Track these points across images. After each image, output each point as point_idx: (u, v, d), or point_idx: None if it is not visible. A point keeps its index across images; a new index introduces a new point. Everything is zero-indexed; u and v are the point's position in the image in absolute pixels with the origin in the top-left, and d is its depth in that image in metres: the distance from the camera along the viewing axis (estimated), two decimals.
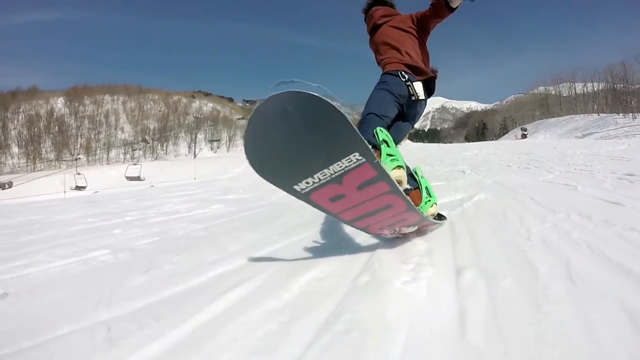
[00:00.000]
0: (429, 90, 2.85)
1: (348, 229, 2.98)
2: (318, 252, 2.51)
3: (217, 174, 26.77)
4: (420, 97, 2.72)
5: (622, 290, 1.37)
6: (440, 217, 2.87)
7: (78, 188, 28.91)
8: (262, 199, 6.06)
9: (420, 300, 1.48)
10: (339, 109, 1.41)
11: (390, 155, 2.08)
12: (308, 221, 3.55)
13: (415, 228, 2.38)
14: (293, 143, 1.54)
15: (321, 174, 1.66)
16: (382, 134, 2.16)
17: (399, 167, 2.07)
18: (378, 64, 3.06)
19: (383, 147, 2.10)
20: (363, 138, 1.55)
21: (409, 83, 2.67)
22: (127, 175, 33.77)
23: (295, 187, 1.74)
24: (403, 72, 2.69)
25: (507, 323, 1.21)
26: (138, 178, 32.80)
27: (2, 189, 39.51)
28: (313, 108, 1.40)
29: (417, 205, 2.38)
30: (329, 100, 1.39)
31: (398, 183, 1.94)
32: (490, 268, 1.73)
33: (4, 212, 7.18)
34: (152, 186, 22.16)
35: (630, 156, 8.01)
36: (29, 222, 5.29)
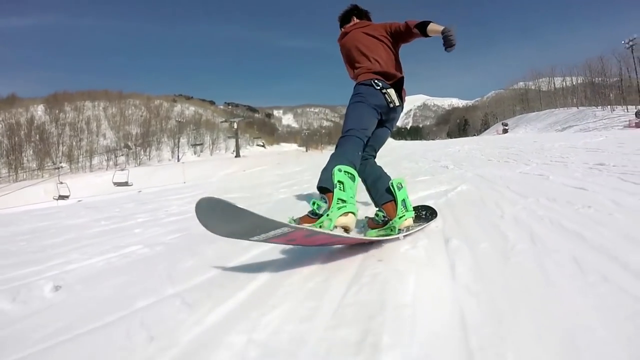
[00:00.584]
0: (399, 93, 2.89)
1: None
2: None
3: (204, 177, 26.85)
4: (396, 104, 2.81)
5: (573, 247, 1.86)
6: (432, 213, 2.96)
7: (61, 197, 28.32)
8: (264, 197, 6.36)
9: (421, 258, 1.97)
10: (248, 209, 1.68)
11: (341, 200, 2.13)
12: None
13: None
14: (229, 227, 1.85)
15: (265, 235, 1.85)
16: (339, 174, 2.20)
17: (346, 213, 2.12)
18: (349, 70, 3.13)
19: (336, 190, 2.15)
20: (284, 223, 1.75)
21: (384, 91, 2.74)
22: (114, 181, 33.62)
23: (251, 239, 1.90)
24: (376, 81, 2.75)
25: (485, 269, 1.71)
26: (126, 183, 32.80)
27: None
28: (231, 211, 1.70)
29: (392, 218, 2.58)
30: (240, 206, 1.67)
31: (345, 229, 2.12)
32: (471, 237, 2.24)
33: (5, 221, 7.20)
34: (140, 191, 22.21)
35: (606, 147, 8.65)
36: (40, 229, 5.31)
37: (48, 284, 2.31)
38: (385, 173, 2.88)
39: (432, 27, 2.72)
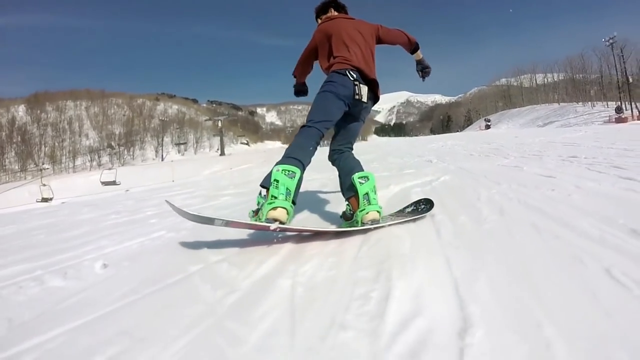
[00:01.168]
0: (374, 95, 3.03)
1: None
2: (334, 213, 3.45)
3: (191, 176, 26.88)
4: (362, 99, 2.86)
5: (533, 217, 2.39)
6: (430, 207, 2.93)
7: (44, 200, 27.39)
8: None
9: (413, 228, 2.50)
10: (186, 210, 2.41)
11: (273, 197, 2.35)
12: (315, 200, 4.39)
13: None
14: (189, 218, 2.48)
15: (219, 223, 2.33)
16: (276, 174, 2.42)
17: (275, 208, 2.31)
18: (321, 59, 3.16)
19: (271, 188, 2.39)
20: (214, 218, 2.29)
21: (356, 83, 2.82)
22: (102, 180, 32.90)
23: (214, 225, 2.38)
24: (351, 72, 2.82)
25: (463, 232, 2.25)
26: (114, 182, 32.15)
27: None
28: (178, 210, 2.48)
29: (354, 211, 2.76)
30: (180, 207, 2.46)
31: (276, 221, 2.31)
32: (452, 213, 2.78)
33: (6, 220, 6.73)
34: (127, 190, 22.03)
35: (583, 142, 9.17)
36: (51, 224, 5.22)
37: (96, 262, 2.50)
38: (358, 166, 2.94)
39: (419, 52, 3.38)
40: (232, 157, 49.77)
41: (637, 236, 1.83)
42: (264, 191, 2.51)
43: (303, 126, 2.79)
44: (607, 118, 51.56)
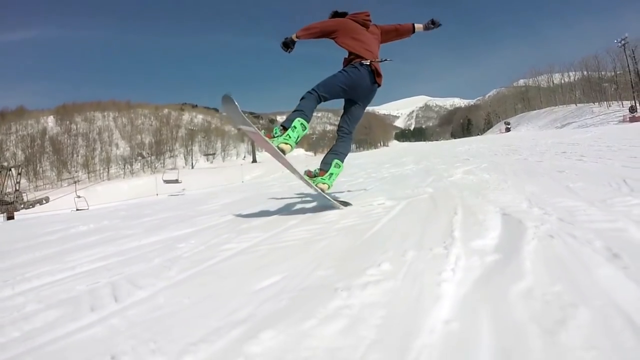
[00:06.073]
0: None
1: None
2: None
3: (233, 181, 29.18)
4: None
5: (525, 170, 5.46)
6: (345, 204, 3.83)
7: (79, 210, 26.15)
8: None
9: (483, 175, 5.60)
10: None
11: (288, 136, 3.27)
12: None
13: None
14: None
15: (246, 129, 3.35)
16: (297, 122, 3.33)
17: (286, 143, 3.25)
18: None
19: (289, 130, 3.31)
20: (252, 126, 3.20)
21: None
22: (164, 178, 35.35)
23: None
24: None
25: (499, 173, 5.34)
26: (176, 181, 34.24)
27: (40, 204, 42.24)
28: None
29: (317, 176, 3.69)
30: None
31: (281, 150, 3.24)
32: (493, 172, 5.82)
33: (82, 217, 8.39)
34: (184, 189, 23.70)
35: (583, 142, 11.35)
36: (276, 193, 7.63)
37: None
38: (341, 152, 3.82)
39: (417, 26, 4.62)
40: (267, 164, 52.14)
41: (559, 172, 4.82)
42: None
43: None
44: (622, 118, 52.85)
